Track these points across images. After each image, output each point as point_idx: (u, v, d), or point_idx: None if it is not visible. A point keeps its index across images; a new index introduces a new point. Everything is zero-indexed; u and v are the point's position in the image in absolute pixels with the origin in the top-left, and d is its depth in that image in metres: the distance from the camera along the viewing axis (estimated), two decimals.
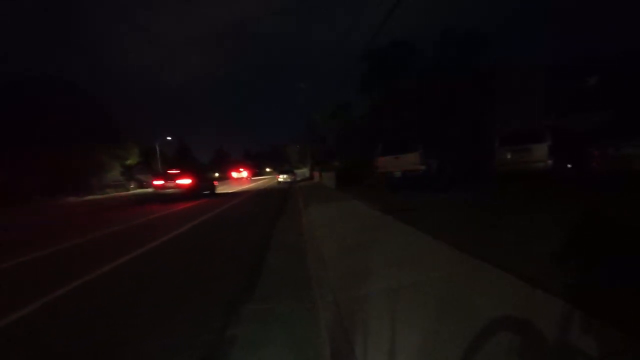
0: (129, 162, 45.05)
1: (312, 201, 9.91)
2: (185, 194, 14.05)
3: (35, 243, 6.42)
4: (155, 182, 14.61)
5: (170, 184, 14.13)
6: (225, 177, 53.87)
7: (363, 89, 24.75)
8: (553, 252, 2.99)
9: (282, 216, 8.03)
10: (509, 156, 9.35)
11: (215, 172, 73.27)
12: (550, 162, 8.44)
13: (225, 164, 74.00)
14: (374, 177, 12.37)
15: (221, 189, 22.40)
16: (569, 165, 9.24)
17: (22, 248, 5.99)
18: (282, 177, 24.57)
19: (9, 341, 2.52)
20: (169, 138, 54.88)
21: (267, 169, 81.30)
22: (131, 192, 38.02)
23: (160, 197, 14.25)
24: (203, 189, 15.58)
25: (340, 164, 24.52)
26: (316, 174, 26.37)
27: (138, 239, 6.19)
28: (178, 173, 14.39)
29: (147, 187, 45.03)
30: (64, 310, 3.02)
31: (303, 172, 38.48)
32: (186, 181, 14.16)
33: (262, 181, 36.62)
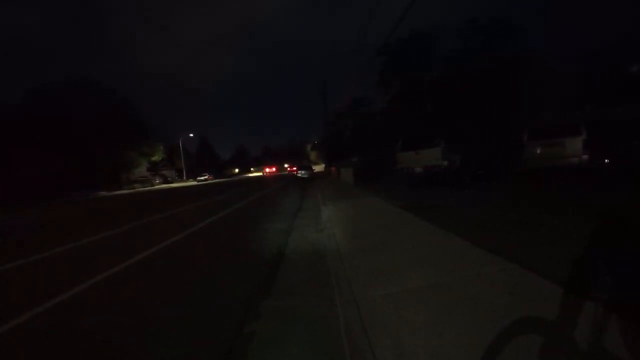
0: (154, 158, 46.87)
1: (330, 197, 9.87)
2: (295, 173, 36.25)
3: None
4: (289, 169, 52.10)
5: (292, 170, 45.80)
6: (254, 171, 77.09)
7: (381, 83, 24.22)
8: (581, 255, 2.78)
9: (301, 212, 8.05)
10: (538, 151, 8.83)
11: (236, 169, 76.89)
12: (585, 157, 7.88)
13: (247, 160, 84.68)
14: (393, 173, 12.11)
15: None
16: (606, 161, 8.59)
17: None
18: (300, 173, 28.58)
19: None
20: (191, 135, 56.74)
21: (286, 165, 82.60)
22: (156, 187, 39.66)
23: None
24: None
25: (358, 159, 24.27)
26: (333, 170, 26.32)
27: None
28: (292, 166, 50.18)
29: (171, 183, 46.86)
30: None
31: (321, 168, 39.09)
32: (295, 168, 41.84)
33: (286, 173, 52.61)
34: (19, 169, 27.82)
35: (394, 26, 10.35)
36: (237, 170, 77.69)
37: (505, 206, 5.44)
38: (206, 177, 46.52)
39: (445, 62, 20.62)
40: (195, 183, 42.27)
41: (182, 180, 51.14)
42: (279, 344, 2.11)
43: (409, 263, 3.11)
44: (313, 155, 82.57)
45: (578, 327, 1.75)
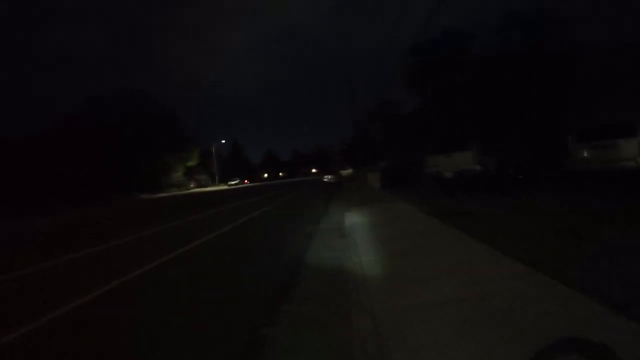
0: (189, 163, 49.59)
1: (355, 202, 9.72)
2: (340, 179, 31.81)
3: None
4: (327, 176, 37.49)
5: (331, 175, 34.54)
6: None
7: (412, 84, 23.53)
8: (631, 271, 2.42)
9: (325, 217, 8.00)
10: (586, 154, 8.02)
11: (265, 174, 79.19)
12: None
13: (276, 165, 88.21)
14: (423, 177, 11.66)
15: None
16: None
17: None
18: (327, 178, 29.69)
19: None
20: (223, 141, 59.42)
21: (313, 170, 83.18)
22: (191, 190, 41.98)
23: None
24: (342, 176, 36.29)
25: (387, 163, 23.78)
26: (360, 174, 26.07)
27: None
28: (338, 170, 37.36)
29: (204, 187, 49.35)
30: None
31: (348, 172, 38.80)
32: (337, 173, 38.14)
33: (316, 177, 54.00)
34: (73, 168, 31.11)
35: (424, 24, 10.03)
36: (266, 175, 79.91)
37: (546, 214, 4.97)
38: (237, 181, 49.87)
39: (482, 60, 19.52)
40: (226, 187, 44.50)
41: (214, 185, 53.66)
42: (294, 350, 2.07)
43: (435, 273, 2.92)
44: (340, 160, 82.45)
45: (623, 349, 1.51)
